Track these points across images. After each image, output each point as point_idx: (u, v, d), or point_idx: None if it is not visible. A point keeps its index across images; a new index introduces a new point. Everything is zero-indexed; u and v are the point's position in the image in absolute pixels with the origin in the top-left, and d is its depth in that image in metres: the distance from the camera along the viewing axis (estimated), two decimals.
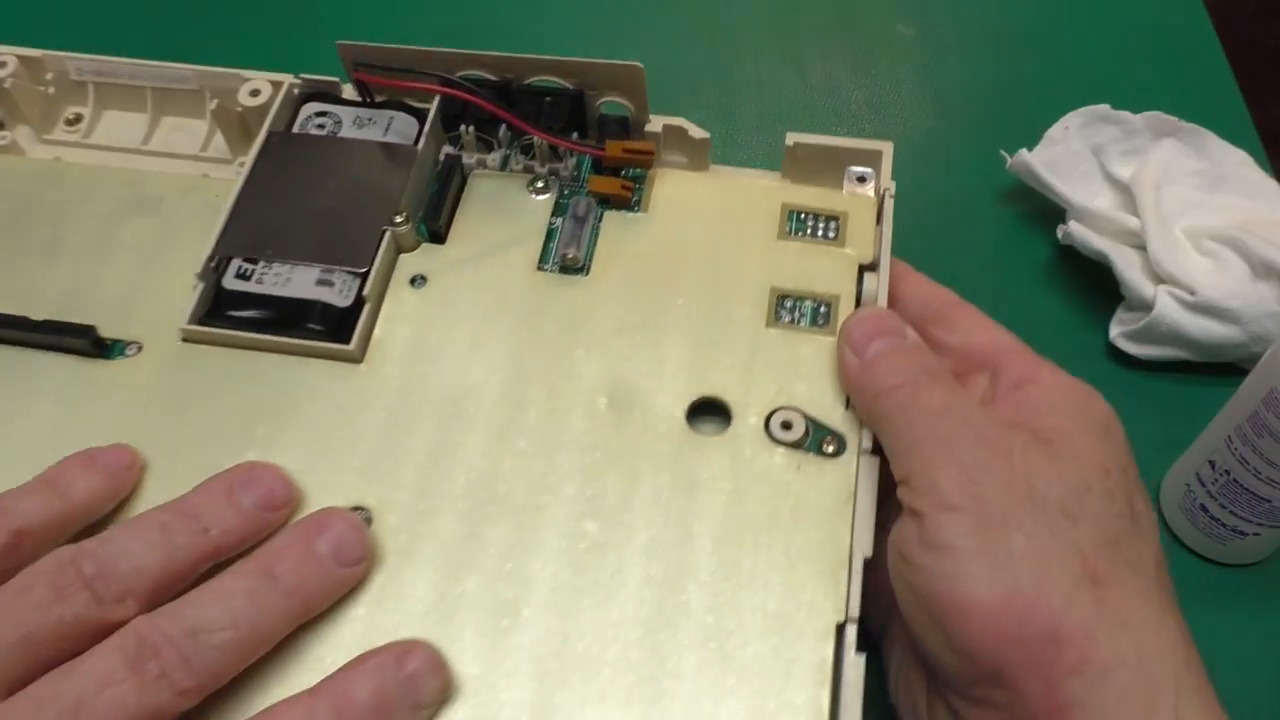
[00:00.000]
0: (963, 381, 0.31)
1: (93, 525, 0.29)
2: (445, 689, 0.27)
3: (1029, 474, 0.27)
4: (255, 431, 0.32)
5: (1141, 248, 0.42)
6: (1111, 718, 0.25)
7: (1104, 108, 0.45)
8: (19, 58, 0.39)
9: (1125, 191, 0.44)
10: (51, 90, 0.40)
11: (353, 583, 0.29)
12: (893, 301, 0.33)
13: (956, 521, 0.27)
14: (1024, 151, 0.44)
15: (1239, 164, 0.44)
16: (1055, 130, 0.45)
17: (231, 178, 0.38)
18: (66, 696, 0.24)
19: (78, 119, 0.40)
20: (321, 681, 0.27)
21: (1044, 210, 0.45)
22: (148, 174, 0.38)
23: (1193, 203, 0.43)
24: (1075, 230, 0.43)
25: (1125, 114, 0.45)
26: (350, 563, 0.28)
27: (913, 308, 0.34)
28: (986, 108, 0.49)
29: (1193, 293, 0.39)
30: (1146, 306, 0.41)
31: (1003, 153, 0.45)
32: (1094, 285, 0.43)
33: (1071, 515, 0.27)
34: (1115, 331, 0.42)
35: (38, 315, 0.34)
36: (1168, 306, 0.40)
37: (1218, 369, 0.41)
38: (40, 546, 0.27)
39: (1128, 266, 0.41)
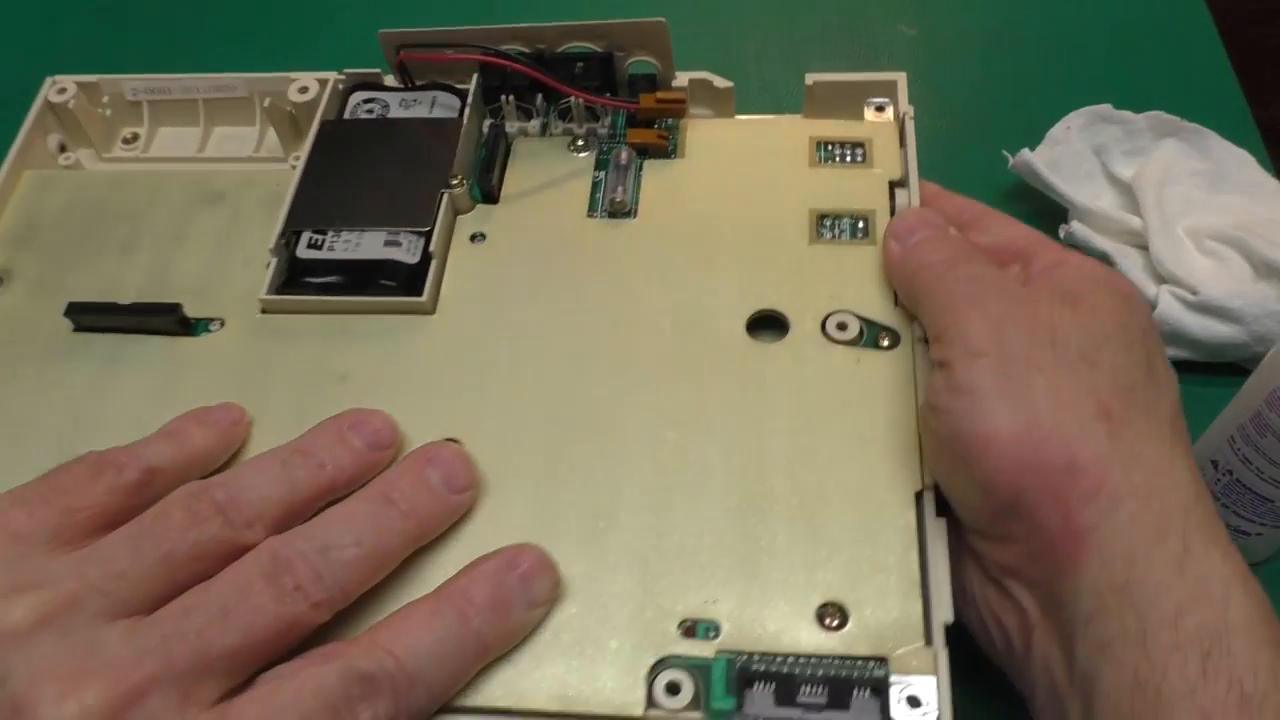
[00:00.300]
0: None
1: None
2: (556, 586, 0.29)
3: (1052, 324, 0.29)
4: (343, 384, 0.34)
5: (1144, 247, 0.42)
6: (1123, 543, 0.26)
7: (1106, 107, 0.45)
8: (78, 84, 0.42)
9: (1127, 191, 0.44)
10: (108, 112, 0.42)
11: (462, 509, 0.30)
12: None
13: (982, 365, 0.29)
14: (1026, 151, 0.45)
15: (1241, 164, 0.44)
16: (1057, 130, 0.45)
17: (282, 172, 0.40)
18: (212, 605, 0.26)
19: (134, 138, 0.43)
20: (440, 586, 0.28)
21: (1046, 210, 0.45)
22: (209, 173, 0.40)
23: (1195, 203, 0.43)
24: (1077, 230, 0.43)
25: (1127, 114, 0.45)
26: (459, 489, 0.30)
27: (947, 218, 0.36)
28: (988, 108, 0.49)
29: (1195, 292, 0.40)
30: (1149, 306, 0.40)
31: (1005, 153, 0.45)
32: None
33: (1090, 361, 0.28)
34: None
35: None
36: (1170, 306, 0.40)
37: (1220, 369, 0.41)
38: (168, 486, 0.29)
39: (1130, 266, 0.42)
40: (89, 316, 0.35)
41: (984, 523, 0.29)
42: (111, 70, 0.42)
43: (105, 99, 0.42)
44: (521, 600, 0.28)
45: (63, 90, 0.41)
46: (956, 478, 0.29)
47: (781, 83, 0.49)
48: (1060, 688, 0.27)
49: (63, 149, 0.42)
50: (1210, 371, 0.41)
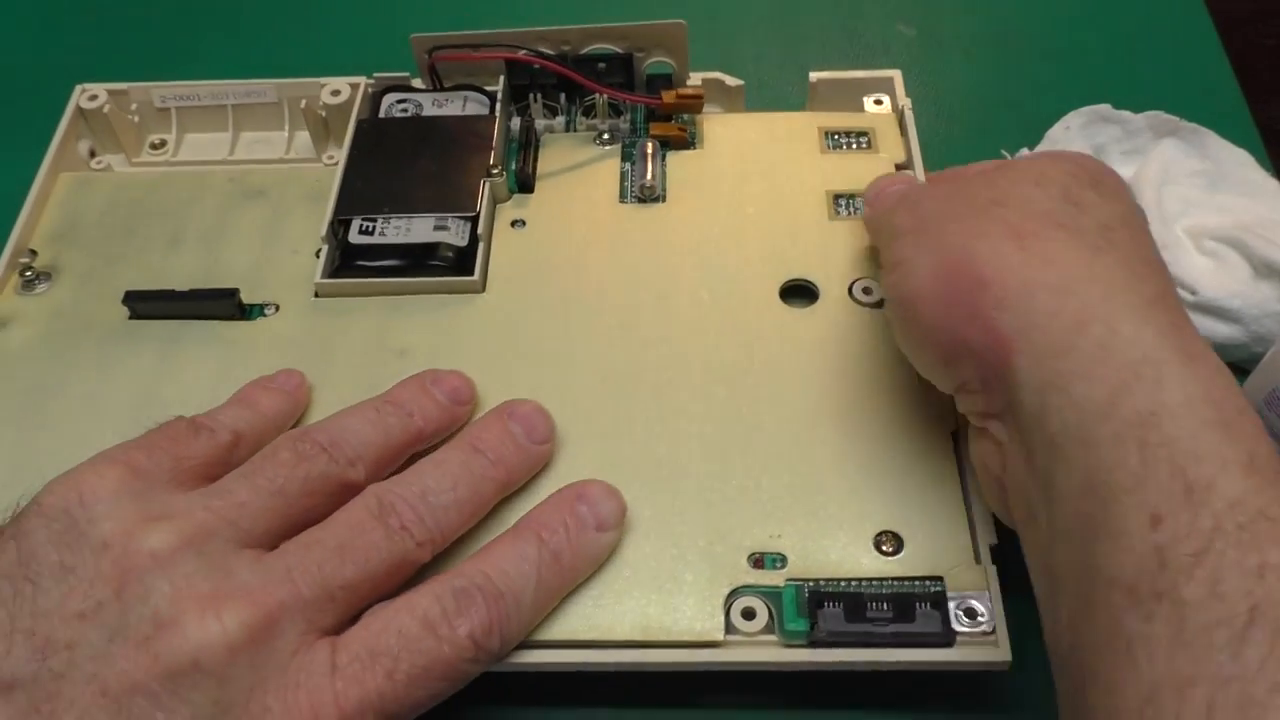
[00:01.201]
0: None
1: None
2: (622, 511, 0.31)
3: (968, 189, 0.30)
4: (402, 359, 0.35)
5: None
6: (1043, 338, 0.26)
7: (1105, 107, 0.45)
8: (108, 91, 0.43)
9: None
10: (136, 119, 0.43)
11: (543, 460, 0.32)
12: None
13: (904, 239, 0.31)
14: (1025, 151, 0.45)
15: (1240, 163, 0.44)
16: (1056, 130, 0.46)
17: (320, 169, 0.42)
18: (329, 541, 0.27)
19: (162, 143, 0.44)
20: (518, 522, 0.30)
21: None
22: (247, 172, 0.42)
23: (1194, 202, 0.43)
24: None
25: (1126, 113, 0.45)
26: (539, 440, 0.32)
27: None
28: (987, 107, 0.50)
29: (1194, 293, 0.40)
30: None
31: (1004, 152, 0.45)
32: None
33: (1000, 202, 0.29)
34: None
35: None
36: None
37: None
38: (251, 449, 0.30)
39: None
40: (146, 304, 0.37)
41: (948, 380, 0.30)
42: (102, 77, 0.44)
43: (134, 106, 0.43)
44: (590, 522, 0.30)
45: (94, 97, 0.43)
46: (912, 348, 0.31)
47: (781, 82, 0.50)
48: (1035, 508, 0.27)
49: (93, 154, 0.43)
50: None
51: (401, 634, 0.26)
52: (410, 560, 0.28)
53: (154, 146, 0.44)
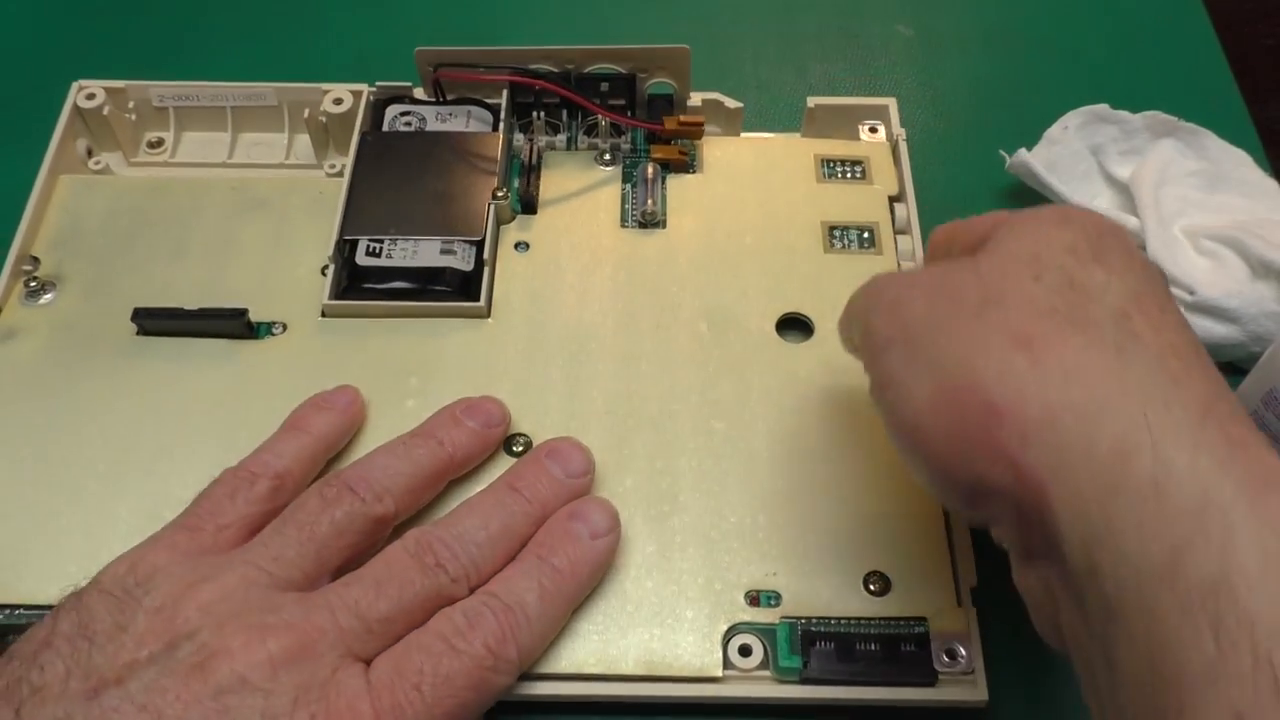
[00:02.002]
0: None
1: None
2: (613, 516, 0.33)
3: (951, 285, 0.26)
4: (409, 382, 0.36)
5: (1141, 247, 0.41)
6: (1081, 475, 0.22)
7: (1103, 107, 0.45)
8: (105, 89, 0.43)
9: (1124, 191, 0.44)
10: (134, 117, 0.43)
11: (582, 492, 0.34)
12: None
13: (891, 353, 0.27)
14: (1023, 151, 0.44)
15: (1238, 164, 0.44)
16: (1054, 130, 0.45)
17: (322, 179, 0.42)
18: (367, 579, 0.29)
19: (160, 142, 0.44)
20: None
21: None
22: (249, 179, 0.42)
23: (1192, 202, 0.43)
24: None
25: (1124, 114, 0.45)
26: (576, 475, 0.33)
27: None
28: (986, 108, 0.50)
29: (1192, 292, 0.40)
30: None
31: (1002, 153, 0.45)
32: None
33: (995, 301, 0.25)
34: None
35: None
36: None
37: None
38: (300, 482, 0.32)
39: None
40: (155, 321, 0.37)
41: (973, 516, 0.26)
42: (92, 73, 0.44)
43: (131, 104, 0.43)
44: (584, 533, 0.32)
45: (91, 96, 0.42)
46: (924, 482, 0.27)
47: (778, 82, 0.50)
48: (1095, 669, 0.23)
49: (90, 153, 0.43)
50: None
51: (423, 650, 0.28)
52: (445, 595, 0.30)
53: (151, 146, 0.44)
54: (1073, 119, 0.45)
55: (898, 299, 0.28)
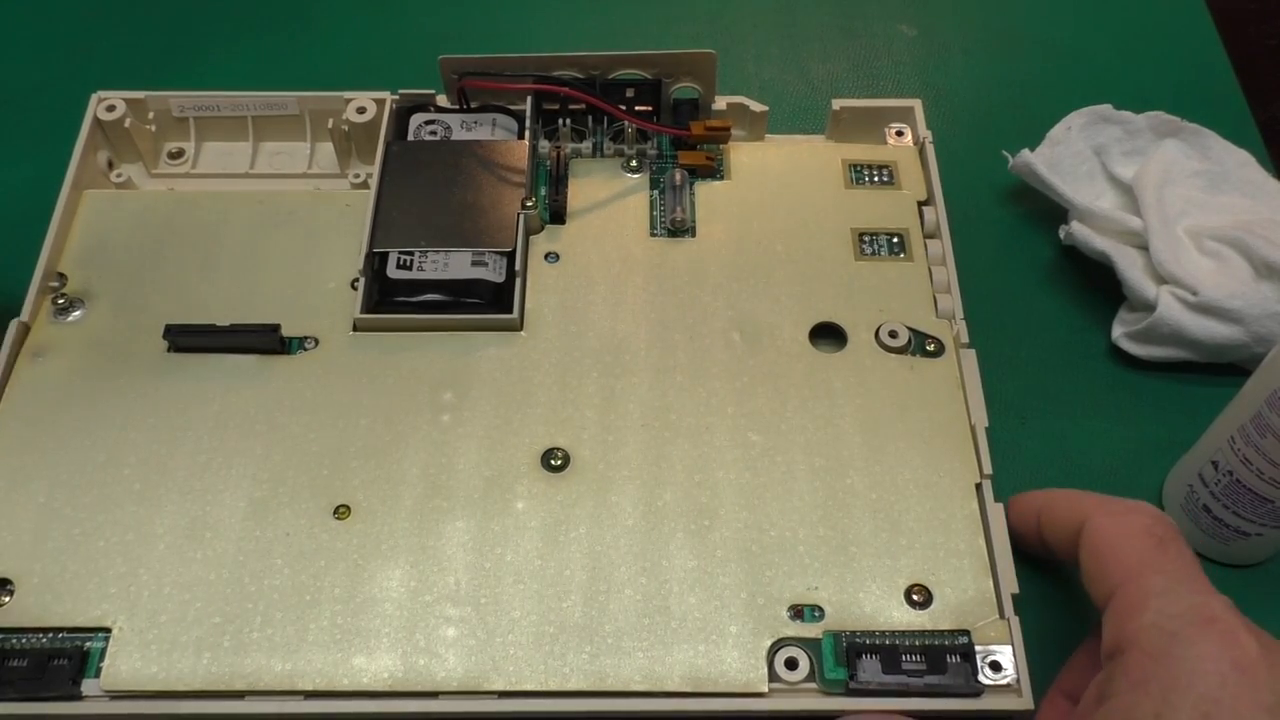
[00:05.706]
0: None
1: None
2: None
3: None
4: (443, 396, 0.36)
5: (1144, 248, 0.42)
6: None
7: (1106, 108, 0.45)
8: (125, 100, 0.42)
9: (1127, 192, 0.44)
10: (154, 128, 0.43)
11: None
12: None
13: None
14: (1026, 152, 0.44)
15: (1241, 164, 0.44)
16: (1057, 130, 0.45)
17: (346, 189, 0.42)
18: None
19: (180, 153, 0.44)
20: None
21: (1046, 210, 0.45)
22: (273, 192, 0.41)
23: (1195, 203, 0.43)
24: (1077, 230, 0.43)
25: (1127, 114, 0.45)
26: None
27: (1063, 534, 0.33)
28: (988, 108, 0.50)
29: (1195, 293, 0.40)
30: (1149, 307, 0.41)
31: (1005, 153, 0.45)
32: (1096, 286, 0.43)
33: None
34: (1117, 332, 0.42)
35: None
36: (1170, 307, 0.40)
37: (1220, 369, 0.41)
38: None
39: (1130, 267, 0.41)
40: (188, 338, 0.37)
41: None
42: (107, 84, 0.43)
43: (151, 115, 0.43)
44: None
45: (111, 107, 0.42)
46: None
47: (780, 82, 0.50)
48: None
49: (111, 165, 0.43)
50: (1210, 372, 0.42)
51: None
52: None
53: (172, 156, 0.44)
54: (1076, 119, 0.45)
55: None
